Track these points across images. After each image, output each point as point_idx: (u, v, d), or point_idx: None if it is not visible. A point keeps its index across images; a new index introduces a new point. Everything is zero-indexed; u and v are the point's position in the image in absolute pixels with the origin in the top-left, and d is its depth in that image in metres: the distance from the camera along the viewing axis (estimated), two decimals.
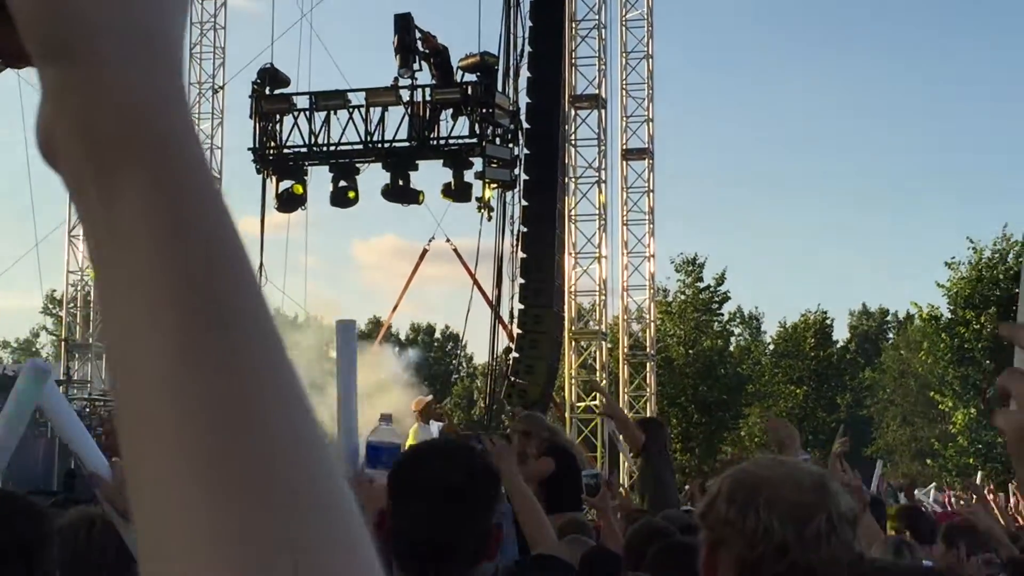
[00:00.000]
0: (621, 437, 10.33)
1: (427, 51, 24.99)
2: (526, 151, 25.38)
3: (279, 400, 0.66)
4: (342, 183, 26.18)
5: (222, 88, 32.65)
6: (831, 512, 2.62)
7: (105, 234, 0.68)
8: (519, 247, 25.83)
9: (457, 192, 25.35)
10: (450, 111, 25.25)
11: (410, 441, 20.88)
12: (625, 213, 30.57)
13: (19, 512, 2.83)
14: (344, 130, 25.99)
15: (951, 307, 44.20)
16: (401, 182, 25.67)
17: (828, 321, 62.27)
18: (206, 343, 0.66)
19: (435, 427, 18.88)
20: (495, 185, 25.65)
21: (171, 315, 0.66)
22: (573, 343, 28.73)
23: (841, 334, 66.57)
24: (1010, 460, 1.64)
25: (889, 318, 69.48)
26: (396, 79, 25.33)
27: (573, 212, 28.37)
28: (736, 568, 2.64)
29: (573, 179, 28.42)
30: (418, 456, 3.09)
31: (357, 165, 26.36)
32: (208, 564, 0.62)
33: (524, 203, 25.46)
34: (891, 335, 67.81)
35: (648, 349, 31.20)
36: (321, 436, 0.67)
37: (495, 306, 27.26)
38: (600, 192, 28.72)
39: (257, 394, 0.66)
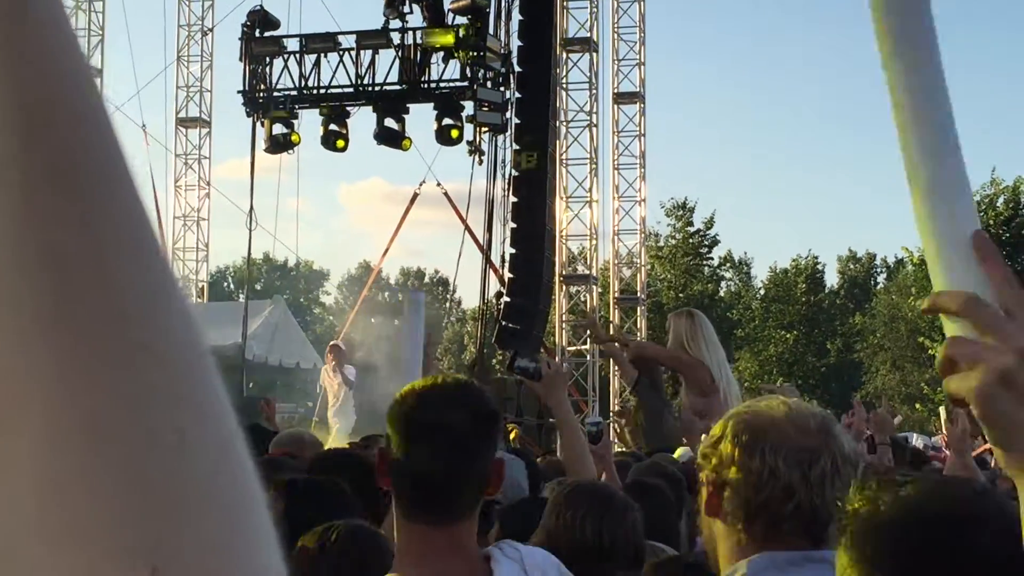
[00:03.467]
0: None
1: None
2: (517, 95, 25.28)
3: (133, 253, 0.63)
4: (332, 126, 26.09)
5: (211, 31, 32.47)
6: (835, 454, 2.62)
7: None
8: (510, 191, 25.78)
9: (448, 136, 25.25)
10: (441, 54, 25.13)
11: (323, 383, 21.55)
12: (616, 157, 30.51)
13: None
14: (335, 73, 25.88)
15: None
16: (397, 125, 25.58)
17: (819, 266, 62.38)
18: (51, 192, 0.62)
19: (350, 371, 19.84)
20: (486, 129, 25.56)
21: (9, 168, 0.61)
22: (564, 287, 28.73)
23: (832, 279, 66.78)
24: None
25: (878, 262, 69.57)
26: (386, 22, 25.18)
27: (564, 156, 28.30)
28: (741, 510, 2.64)
29: (564, 123, 28.33)
30: (420, 397, 3.08)
31: (347, 108, 26.25)
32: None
33: (515, 147, 25.39)
34: (880, 280, 67.90)
35: (639, 293, 31.20)
36: (178, 293, 0.65)
37: (486, 250, 27.24)
38: (591, 136, 28.65)
39: (107, 247, 0.62)
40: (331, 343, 22.08)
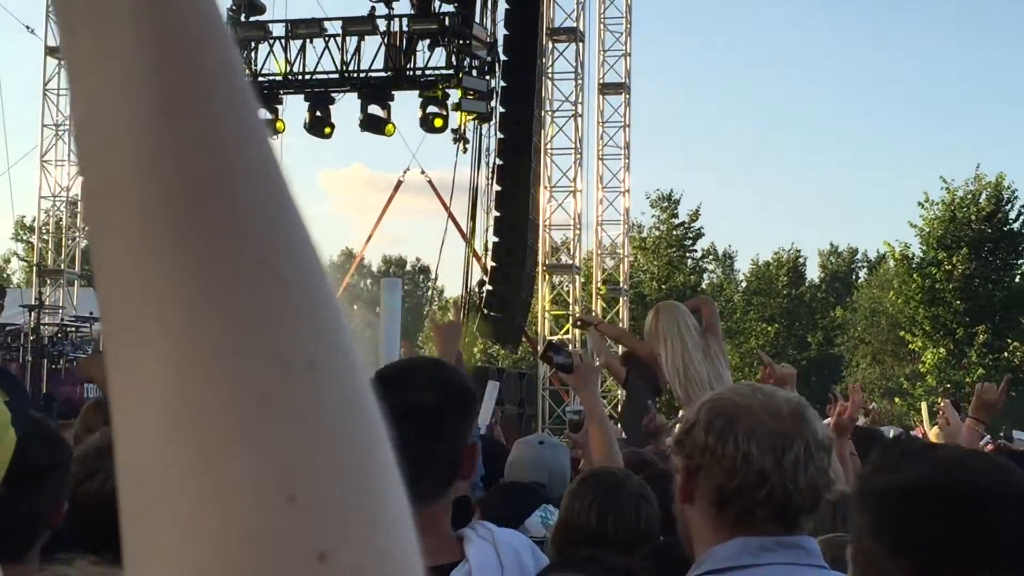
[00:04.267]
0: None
1: None
2: (503, 83, 25.28)
3: (259, 180, 0.65)
4: (318, 113, 26.05)
5: None
6: (808, 440, 2.64)
7: (82, 14, 0.65)
8: (494, 180, 25.78)
9: (432, 123, 25.23)
10: (427, 42, 25.11)
11: None
12: (601, 147, 30.52)
13: (36, 438, 2.80)
14: (320, 59, 25.85)
15: (923, 247, 44.38)
16: (383, 112, 25.55)
17: (801, 260, 62.46)
18: (184, 114, 0.63)
19: None
20: (471, 117, 25.56)
21: (147, 86, 0.63)
22: (546, 277, 28.76)
23: (814, 273, 66.88)
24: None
25: (859, 257, 69.69)
26: (373, 8, 25.15)
27: (549, 145, 28.32)
28: (714, 495, 2.66)
29: (549, 112, 28.35)
30: (392, 376, 3.07)
31: (332, 94, 26.22)
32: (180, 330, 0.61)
33: (500, 136, 25.39)
34: (861, 275, 68.02)
35: (622, 284, 31.24)
36: (304, 226, 0.66)
37: (469, 238, 27.24)
38: (576, 126, 28.67)
39: (235, 171, 0.64)
40: None
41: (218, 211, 0.62)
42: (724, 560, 2.65)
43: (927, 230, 44.18)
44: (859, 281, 66.46)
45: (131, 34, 0.63)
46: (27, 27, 29.31)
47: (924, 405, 16.93)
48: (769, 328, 57.85)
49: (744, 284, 62.97)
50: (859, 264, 69.77)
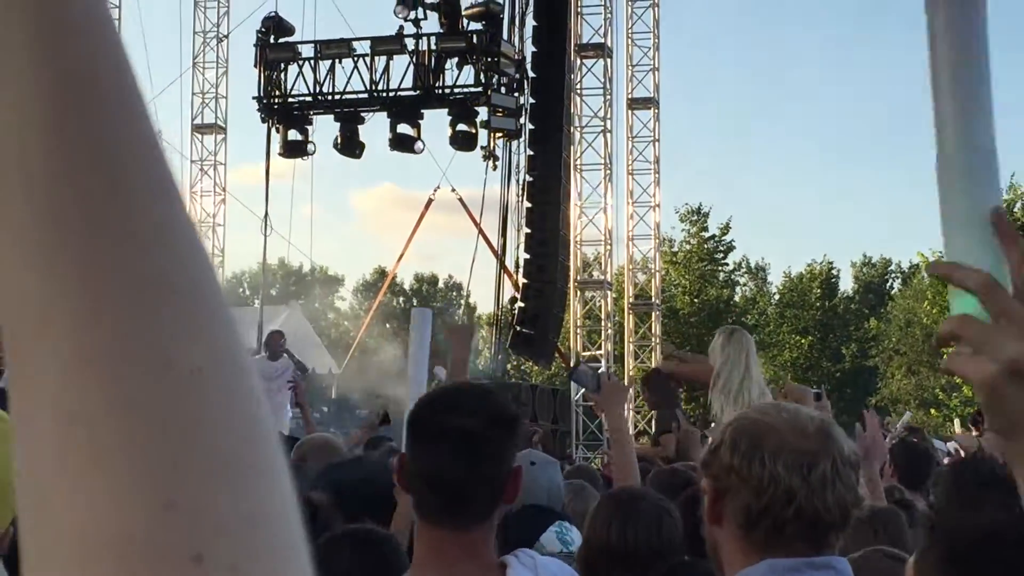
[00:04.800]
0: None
1: (439, 2, 24.84)
2: (531, 100, 25.29)
3: (151, 194, 0.66)
4: (348, 133, 26.13)
5: (226, 37, 32.54)
6: (835, 457, 2.63)
7: None
8: (524, 197, 25.79)
9: (462, 141, 25.27)
10: (455, 60, 25.16)
11: None
12: (631, 163, 30.50)
13: None
14: (349, 79, 25.92)
15: None
16: (414, 130, 25.60)
17: (834, 271, 62.25)
18: (76, 131, 0.65)
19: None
20: (500, 134, 25.58)
21: (39, 105, 0.65)
22: (578, 293, 28.73)
23: (847, 284, 66.61)
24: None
25: (893, 268, 69.41)
26: (401, 27, 25.22)
27: (578, 161, 28.29)
28: (742, 516, 2.65)
29: (579, 128, 28.34)
30: (435, 402, 3.10)
31: (362, 114, 26.29)
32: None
33: (530, 152, 25.40)
34: (895, 285, 67.74)
35: (653, 299, 31.19)
36: (196, 237, 0.68)
37: (500, 256, 27.25)
38: (606, 142, 28.66)
39: (127, 184, 0.66)
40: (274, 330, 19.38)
41: (108, 222, 0.64)
42: None
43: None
44: (893, 292, 66.17)
45: (24, 59, 0.65)
46: None
47: (957, 421, 16.92)
48: (803, 340, 57.63)
49: (777, 297, 62.78)
50: (892, 275, 69.49)
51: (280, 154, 26.83)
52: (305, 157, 27.14)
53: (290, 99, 26.41)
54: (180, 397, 0.63)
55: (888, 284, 68.57)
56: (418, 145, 25.69)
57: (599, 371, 6.10)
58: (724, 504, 2.69)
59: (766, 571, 2.63)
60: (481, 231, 27.92)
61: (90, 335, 0.62)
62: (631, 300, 31.05)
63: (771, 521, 2.62)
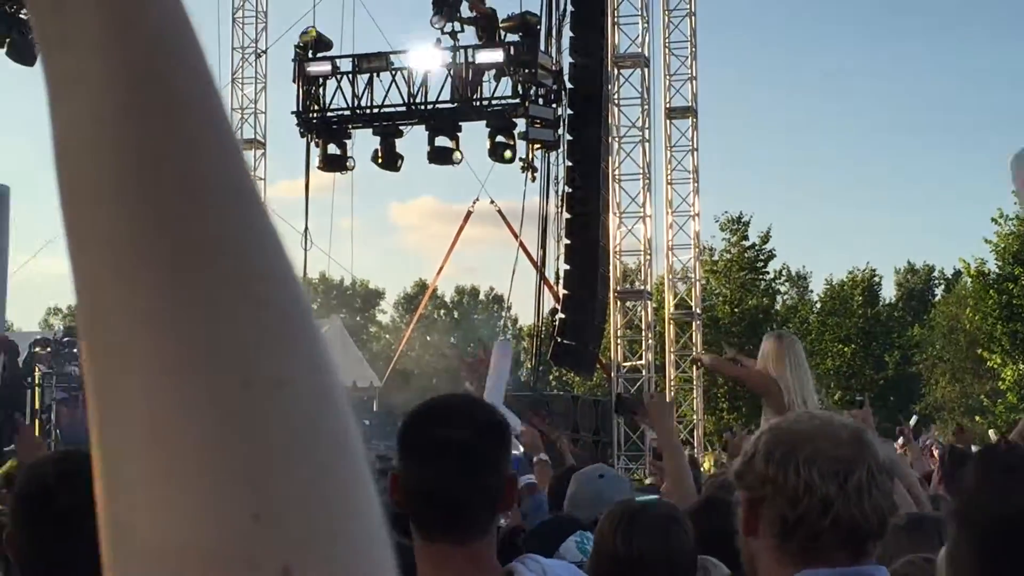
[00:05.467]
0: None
1: (476, 16, 24.90)
2: (569, 111, 25.30)
3: (232, 194, 0.66)
4: (387, 146, 26.21)
5: (265, 52, 32.69)
6: (870, 464, 2.61)
7: (55, 38, 0.67)
8: (563, 207, 25.79)
9: (501, 153, 25.31)
10: (493, 72, 25.20)
11: None
12: (669, 172, 30.43)
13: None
14: (387, 92, 26.00)
15: (999, 263, 43.93)
16: (452, 143, 25.66)
17: (876, 279, 61.93)
18: (155, 133, 0.65)
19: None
20: (538, 145, 25.60)
21: (114, 108, 0.65)
22: (618, 303, 28.68)
23: (889, 292, 66.27)
24: None
25: (936, 275, 69.02)
26: (439, 40, 25.28)
27: (617, 171, 28.24)
28: (778, 525, 2.63)
29: (617, 139, 28.28)
30: (425, 414, 3.09)
31: (400, 127, 26.36)
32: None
33: (568, 163, 25.41)
34: (938, 292, 67.36)
35: (694, 308, 31.08)
36: (279, 242, 0.67)
37: (540, 267, 27.26)
38: (644, 151, 28.58)
39: (207, 186, 0.65)
40: None
41: (190, 227, 0.64)
42: None
43: (1002, 246, 43.74)
44: (936, 299, 65.79)
45: (99, 59, 0.65)
46: None
47: (992, 432, 16.84)
48: (845, 349, 57.35)
49: (819, 305, 62.49)
50: (935, 281, 69.10)
51: (319, 167, 26.94)
52: (344, 171, 27.23)
53: (328, 113, 26.52)
54: (266, 407, 0.62)
55: (931, 291, 68.20)
56: (456, 155, 25.74)
57: (642, 392, 6.13)
58: (759, 514, 2.66)
59: None
60: (521, 243, 27.96)
61: (172, 346, 0.62)
62: (671, 310, 30.96)
63: (807, 531, 2.60)
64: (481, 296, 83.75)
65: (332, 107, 26.49)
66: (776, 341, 9.06)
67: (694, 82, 30.51)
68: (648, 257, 28.88)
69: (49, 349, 22.84)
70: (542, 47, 25.24)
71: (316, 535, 0.61)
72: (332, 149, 26.69)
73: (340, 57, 26.74)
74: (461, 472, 2.92)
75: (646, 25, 28.75)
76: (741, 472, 2.70)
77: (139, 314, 0.62)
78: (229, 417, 0.61)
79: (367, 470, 0.66)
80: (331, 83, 26.47)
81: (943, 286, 67.10)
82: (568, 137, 25.25)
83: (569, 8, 25.60)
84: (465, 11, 25.01)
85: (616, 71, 28.22)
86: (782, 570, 2.64)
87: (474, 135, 26.02)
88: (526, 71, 24.80)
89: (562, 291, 25.74)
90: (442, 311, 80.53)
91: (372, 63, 26.20)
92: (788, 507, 2.60)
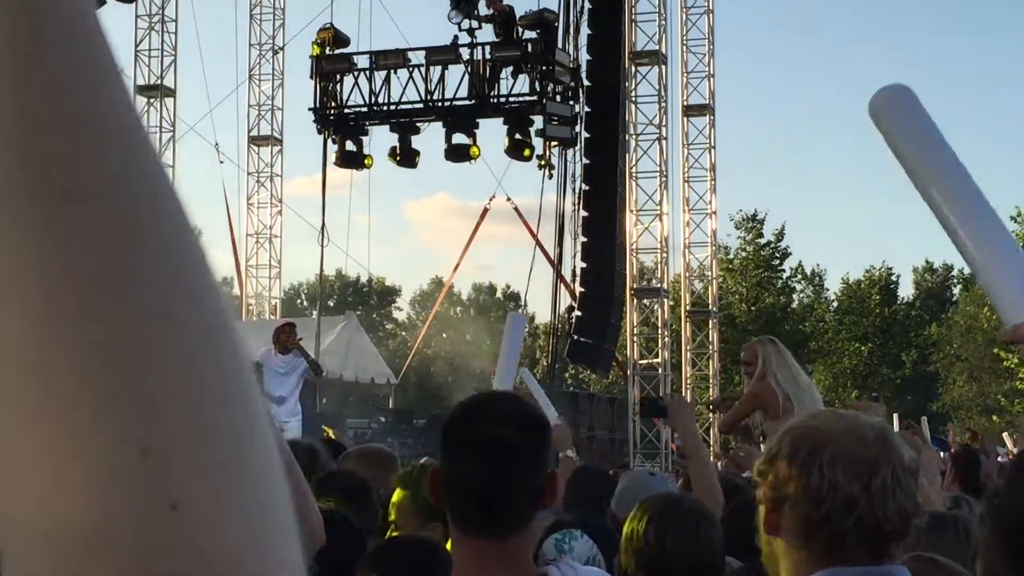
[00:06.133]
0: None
1: (493, 13, 24.87)
2: (587, 108, 25.28)
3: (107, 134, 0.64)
4: (404, 143, 26.20)
5: (282, 49, 32.70)
6: (895, 465, 2.59)
7: None
8: (580, 205, 25.77)
9: (518, 150, 25.28)
10: (510, 69, 25.16)
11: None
12: (686, 170, 30.37)
13: None
14: (404, 89, 25.98)
15: None
16: (469, 140, 25.63)
17: (893, 277, 61.82)
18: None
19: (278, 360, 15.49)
20: (556, 143, 25.57)
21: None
22: (635, 301, 28.64)
23: (907, 290, 66.15)
24: None
25: (954, 274, 68.88)
26: (456, 37, 25.27)
27: (634, 169, 28.21)
28: (801, 526, 2.61)
29: (634, 136, 28.24)
30: (469, 410, 3.10)
31: (418, 124, 26.35)
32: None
33: (585, 161, 25.39)
34: (956, 291, 67.25)
35: (710, 306, 31.04)
36: (168, 184, 0.65)
37: (557, 265, 27.26)
38: (661, 149, 28.53)
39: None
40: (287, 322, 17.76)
41: (70, 170, 0.62)
42: None
43: (1021, 244, 43.66)
44: (954, 298, 65.66)
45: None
46: None
47: (1006, 436, 16.81)
48: (862, 347, 57.28)
49: (835, 303, 62.40)
50: (954, 280, 68.96)
51: (336, 164, 26.95)
52: (361, 168, 27.23)
53: (346, 110, 26.51)
54: (149, 345, 0.61)
55: (949, 290, 68.06)
56: (473, 152, 25.71)
57: (662, 394, 6.21)
58: (782, 514, 2.65)
59: None
60: (537, 240, 27.95)
61: (53, 287, 0.61)
62: (688, 308, 30.90)
63: (831, 531, 2.58)
64: (497, 294, 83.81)
65: (349, 104, 26.48)
66: (760, 346, 9.07)
67: (711, 80, 30.46)
68: (665, 255, 28.83)
69: None
70: (560, 44, 25.21)
71: (205, 469, 0.61)
72: (349, 146, 26.68)
73: (357, 54, 26.74)
74: (504, 469, 2.94)
75: (663, 22, 28.70)
76: (764, 471, 2.68)
77: (22, 259, 0.61)
78: (115, 352, 0.60)
79: (261, 409, 0.65)
80: (348, 80, 26.46)
81: (961, 285, 66.96)
82: (585, 134, 25.23)
83: (587, 5, 25.57)
84: (483, 8, 24.95)
85: (633, 68, 28.18)
86: (804, 569, 2.62)
87: (491, 132, 26.02)
88: (544, 68, 24.75)
89: (579, 289, 25.72)
90: (458, 308, 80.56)
91: (389, 60, 26.18)
92: (812, 507, 2.58)
